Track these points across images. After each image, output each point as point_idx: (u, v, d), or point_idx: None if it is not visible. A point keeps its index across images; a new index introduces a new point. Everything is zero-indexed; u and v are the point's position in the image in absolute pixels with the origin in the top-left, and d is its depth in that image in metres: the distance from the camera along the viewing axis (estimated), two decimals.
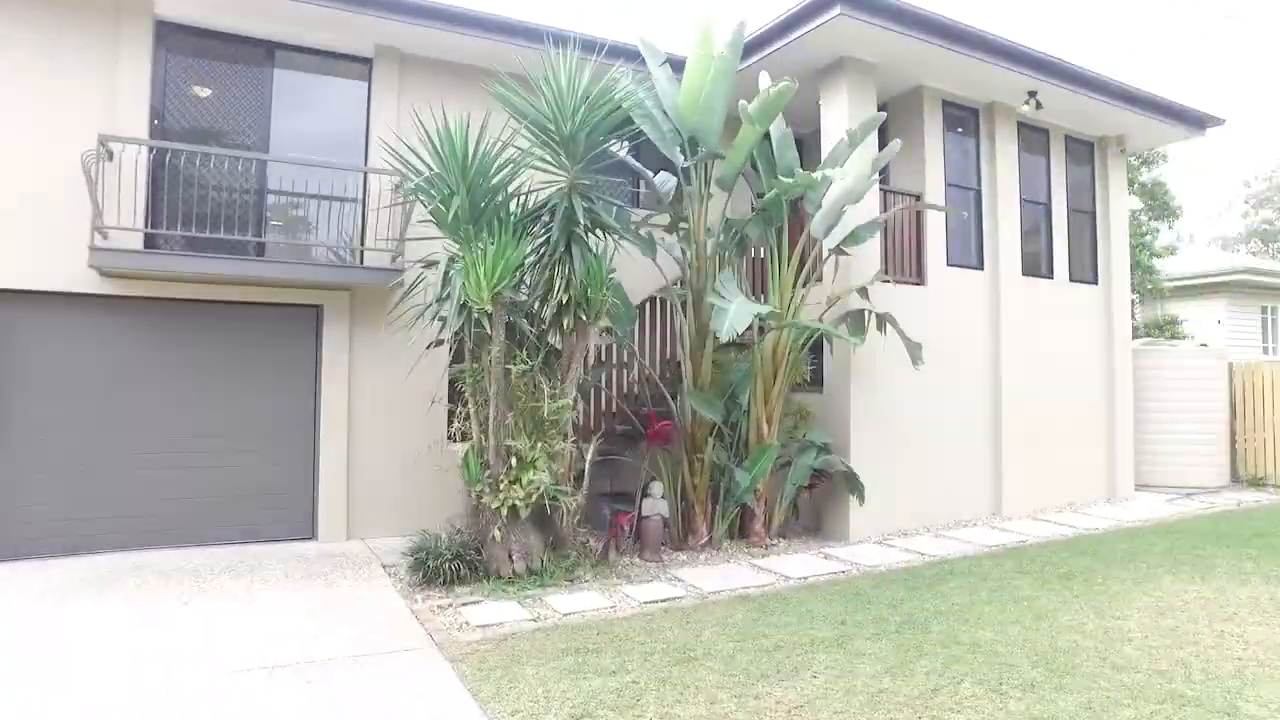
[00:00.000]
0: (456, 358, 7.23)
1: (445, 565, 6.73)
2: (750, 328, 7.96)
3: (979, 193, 10.29)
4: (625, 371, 8.84)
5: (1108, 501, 11.17)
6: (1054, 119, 10.80)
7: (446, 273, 6.85)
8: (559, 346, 7.55)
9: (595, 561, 7.48)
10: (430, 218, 7.24)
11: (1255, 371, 12.90)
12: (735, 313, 7.16)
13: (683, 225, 8.37)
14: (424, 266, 7.38)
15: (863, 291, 8.49)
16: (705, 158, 8.10)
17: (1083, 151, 11.47)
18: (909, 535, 9.10)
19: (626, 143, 8.49)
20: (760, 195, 8.40)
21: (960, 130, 10.23)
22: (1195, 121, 11.07)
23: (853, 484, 8.69)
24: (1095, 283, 11.42)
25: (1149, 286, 14.78)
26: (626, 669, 5.02)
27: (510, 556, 6.94)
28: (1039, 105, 9.89)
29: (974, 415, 10.02)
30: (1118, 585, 6.92)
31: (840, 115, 8.95)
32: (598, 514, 8.49)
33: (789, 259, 8.54)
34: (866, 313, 8.57)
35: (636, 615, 6.17)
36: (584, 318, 7.02)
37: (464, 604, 6.38)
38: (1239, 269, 16.80)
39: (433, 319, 7.18)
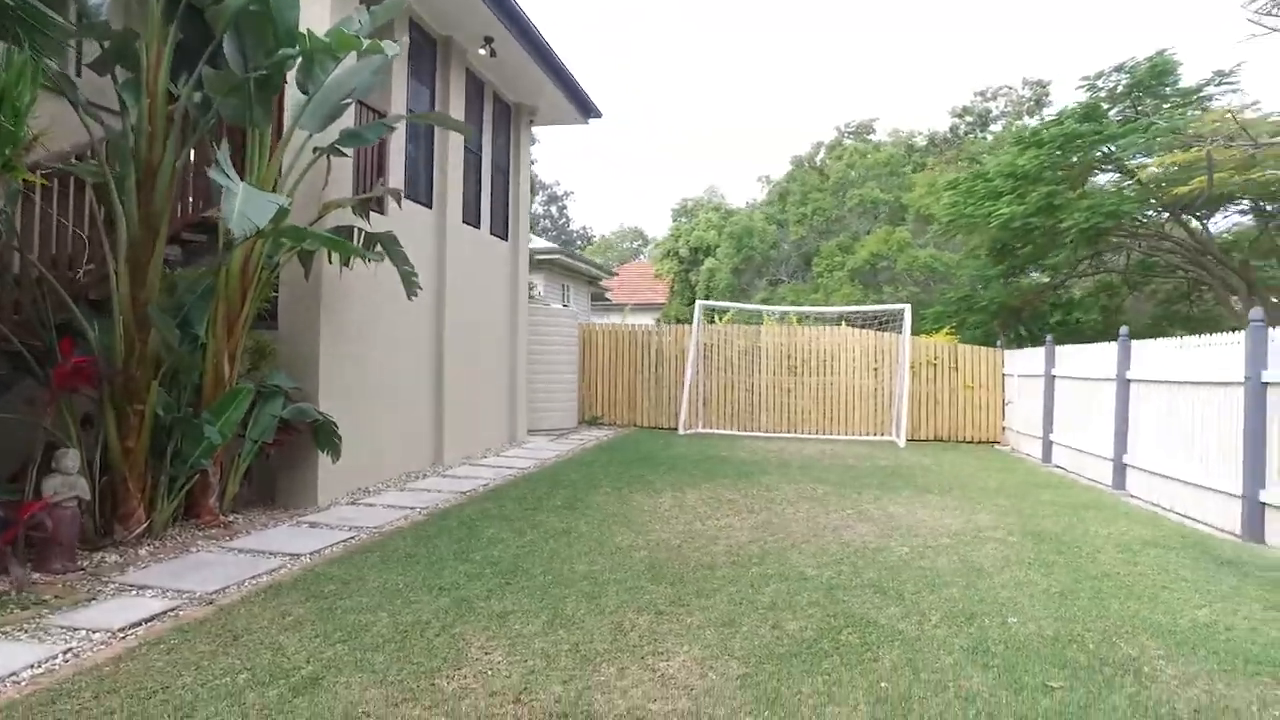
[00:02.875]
0: None
1: None
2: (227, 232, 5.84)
3: (431, 128, 9.80)
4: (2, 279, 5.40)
5: (512, 444, 12.11)
6: (490, 74, 11.06)
7: None
8: None
9: None
10: None
11: (589, 331, 15.80)
12: (247, 201, 5.11)
13: (126, 69, 5.56)
14: None
15: (364, 206, 7.14)
16: None
17: (504, 113, 12.07)
18: (376, 493, 8.13)
19: None
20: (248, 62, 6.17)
21: (418, 60, 9.54)
22: (586, 108, 12.83)
23: (327, 438, 7.26)
24: (507, 239, 12.19)
25: None
26: None
27: None
28: (494, 53, 9.96)
29: (422, 363, 9.56)
30: (613, 506, 7.52)
31: (322, 9, 7.34)
32: None
33: (271, 151, 6.58)
34: (357, 231, 7.25)
35: (130, 654, 3.87)
36: None
37: None
38: (554, 251, 20.36)
39: None
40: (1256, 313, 6.78)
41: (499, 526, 6.58)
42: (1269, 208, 11.83)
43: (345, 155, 7.05)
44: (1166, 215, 13.45)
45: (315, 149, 6.86)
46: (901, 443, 13.34)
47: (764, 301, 21.40)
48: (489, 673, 3.66)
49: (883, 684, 3.58)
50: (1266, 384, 6.52)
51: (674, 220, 29.37)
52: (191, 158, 6.60)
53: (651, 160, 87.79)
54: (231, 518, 6.70)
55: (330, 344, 7.53)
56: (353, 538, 6.26)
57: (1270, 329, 6.59)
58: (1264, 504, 6.50)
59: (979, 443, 14.09)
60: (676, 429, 14.82)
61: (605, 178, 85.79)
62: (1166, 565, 5.68)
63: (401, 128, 8.89)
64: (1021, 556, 5.86)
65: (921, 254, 18.56)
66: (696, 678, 3.64)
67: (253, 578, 5.14)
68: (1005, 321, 16.30)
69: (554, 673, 3.66)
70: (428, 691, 3.45)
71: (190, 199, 6.71)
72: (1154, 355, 8.52)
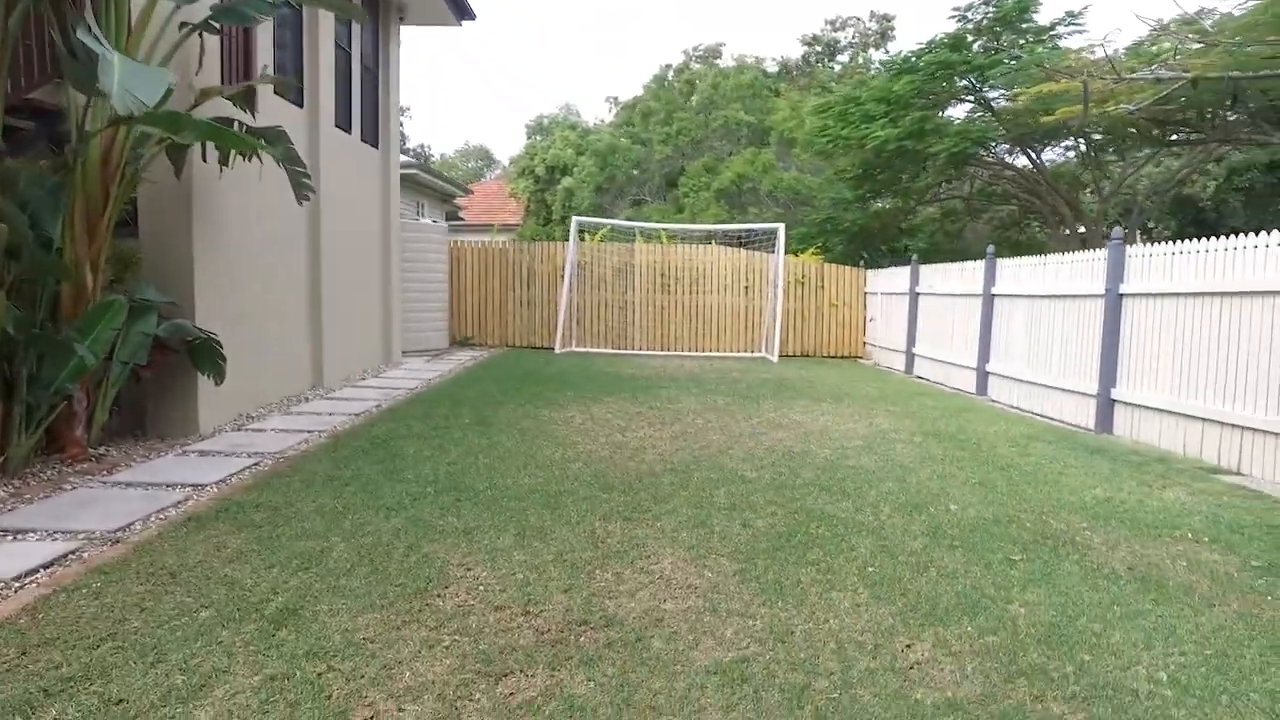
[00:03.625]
0: None
1: None
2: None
3: (299, 12, 8.71)
4: None
5: (389, 365, 11.46)
6: None
7: None
8: None
9: None
10: None
11: (459, 249, 15.08)
12: (128, 74, 4.31)
13: None
14: None
15: (244, 97, 6.26)
16: None
17: (373, 8, 10.87)
18: (260, 417, 7.44)
19: None
20: None
21: None
22: (461, 7, 11.83)
23: (209, 358, 6.50)
24: (377, 146, 11.23)
25: None
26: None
27: None
28: None
29: (299, 278, 8.73)
30: (525, 422, 7.33)
31: None
32: None
33: (130, 24, 5.57)
34: (239, 125, 6.37)
35: (43, 604, 3.37)
36: None
37: None
38: (410, 165, 19.04)
39: None
40: (1117, 233, 7.56)
41: (417, 445, 6.24)
42: (1097, 137, 13.17)
43: (216, 32, 6.11)
44: (1007, 147, 14.64)
45: (183, 24, 5.90)
46: (774, 358, 13.94)
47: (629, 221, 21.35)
48: (482, 588, 3.49)
49: (869, 569, 3.77)
50: (1123, 295, 7.33)
51: (529, 138, 28.27)
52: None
53: (496, 78, 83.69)
54: (102, 450, 5.91)
55: (205, 254, 6.68)
56: (257, 464, 5.71)
57: (1128, 246, 7.37)
58: (1115, 400, 7.40)
59: (843, 358, 15.00)
60: (550, 348, 14.64)
61: (444, 94, 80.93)
62: (1052, 455, 6.35)
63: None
64: (932, 454, 6.33)
65: (786, 176, 19.13)
66: (695, 577, 3.66)
67: (159, 512, 4.57)
68: (856, 245, 17.25)
69: (550, 583, 3.55)
70: (426, 612, 3.23)
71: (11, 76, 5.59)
72: (1018, 272, 9.33)
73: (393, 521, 4.36)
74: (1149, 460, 6.26)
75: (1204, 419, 6.30)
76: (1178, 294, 6.69)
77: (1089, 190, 15.56)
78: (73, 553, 3.94)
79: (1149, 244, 6.97)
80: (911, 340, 12.29)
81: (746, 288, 15.01)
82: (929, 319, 11.78)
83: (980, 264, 10.07)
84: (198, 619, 3.14)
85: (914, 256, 12.39)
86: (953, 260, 12.03)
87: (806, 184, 18.95)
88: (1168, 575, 3.76)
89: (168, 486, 5.09)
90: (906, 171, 14.55)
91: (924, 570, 3.75)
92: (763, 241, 15.55)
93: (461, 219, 25.08)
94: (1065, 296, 8.23)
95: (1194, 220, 19.34)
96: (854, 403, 9.08)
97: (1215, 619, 3.30)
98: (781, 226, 14.30)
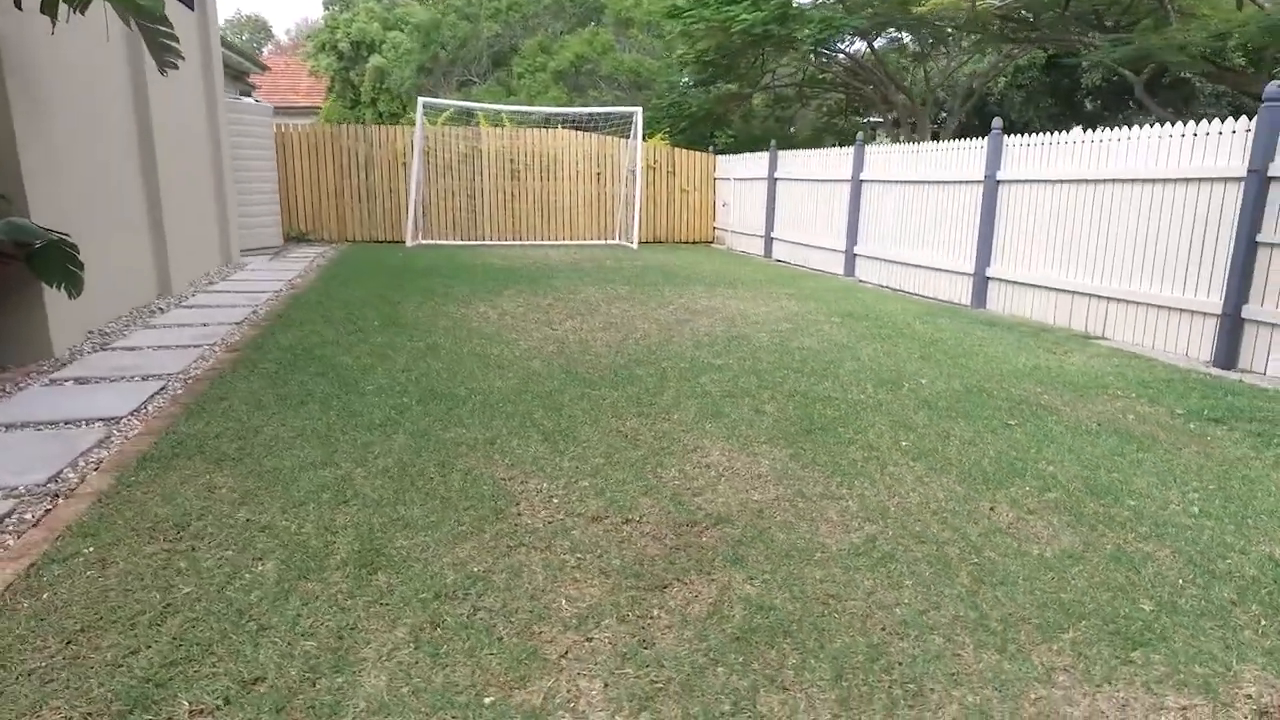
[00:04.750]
0: None
1: None
2: None
3: None
4: None
5: (231, 267, 10.06)
6: None
7: None
8: None
9: None
10: None
11: (284, 134, 13.29)
12: None
13: None
14: None
15: None
16: None
17: None
18: (118, 335, 6.31)
19: None
20: None
21: None
22: None
23: (58, 266, 5.32)
24: (192, 7, 9.34)
25: None
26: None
27: None
28: None
29: (133, 167, 7.30)
30: (441, 321, 6.82)
31: None
32: None
33: None
34: None
35: (34, 579, 2.76)
36: None
37: None
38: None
39: None
40: (997, 123, 8.18)
41: (350, 354, 5.61)
42: (924, 31, 13.96)
43: None
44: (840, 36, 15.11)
45: None
46: (634, 245, 13.90)
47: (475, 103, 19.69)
48: (556, 501, 3.29)
49: (903, 443, 3.99)
50: (999, 181, 8.01)
51: (327, 8, 24.78)
52: None
53: None
54: None
55: (29, 133, 5.34)
56: (163, 388, 4.88)
57: (1006, 136, 8.01)
58: (989, 278, 8.20)
59: (695, 243, 15.28)
60: (396, 242, 13.65)
61: None
62: (961, 329, 6.97)
63: None
64: (860, 333, 6.71)
65: (627, 59, 18.40)
66: (754, 465, 3.68)
67: (83, 455, 3.78)
68: (694, 131, 17.29)
69: (624, 487, 3.42)
70: (523, 533, 3.00)
71: None
72: (889, 158, 9.85)
73: (397, 439, 3.94)
74: (1037, 330, 7.07)
75: (1074, 292, 7.18)
76: (1053, 181, 7.42)
77: (909, 82, 16.60)
78: (9, 515, 3.20)
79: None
80: (770, 225, 12.74)
81: (599, 174, 14.65)
82: (789, 204, 12.22)
83: (848, 150, 10.52)
84: (263, 575, 2.69)
85: (773, 142, 12.67)
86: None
87: (647, 67, 18.51)
88: (1130, 428, 4.34)
89: (67, 424, 4.22)
90: (746, 57, 14.60)
91: (947, 440, 4.04)
92: (606, 126, 15.12)
93: (257, 100, 21.92)
94: (943, 182, 8.85)
95: (979, 112, 21.44)
96: (745, 287, 9.34)
97: (1190, 460, 3.88)
98: (639, 110, 13.95)
